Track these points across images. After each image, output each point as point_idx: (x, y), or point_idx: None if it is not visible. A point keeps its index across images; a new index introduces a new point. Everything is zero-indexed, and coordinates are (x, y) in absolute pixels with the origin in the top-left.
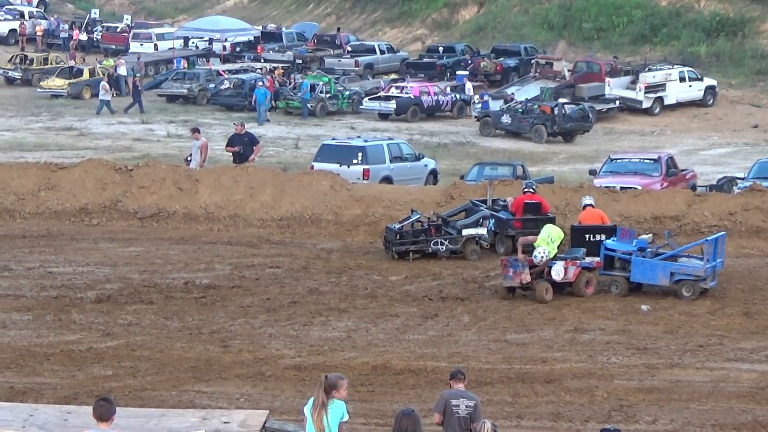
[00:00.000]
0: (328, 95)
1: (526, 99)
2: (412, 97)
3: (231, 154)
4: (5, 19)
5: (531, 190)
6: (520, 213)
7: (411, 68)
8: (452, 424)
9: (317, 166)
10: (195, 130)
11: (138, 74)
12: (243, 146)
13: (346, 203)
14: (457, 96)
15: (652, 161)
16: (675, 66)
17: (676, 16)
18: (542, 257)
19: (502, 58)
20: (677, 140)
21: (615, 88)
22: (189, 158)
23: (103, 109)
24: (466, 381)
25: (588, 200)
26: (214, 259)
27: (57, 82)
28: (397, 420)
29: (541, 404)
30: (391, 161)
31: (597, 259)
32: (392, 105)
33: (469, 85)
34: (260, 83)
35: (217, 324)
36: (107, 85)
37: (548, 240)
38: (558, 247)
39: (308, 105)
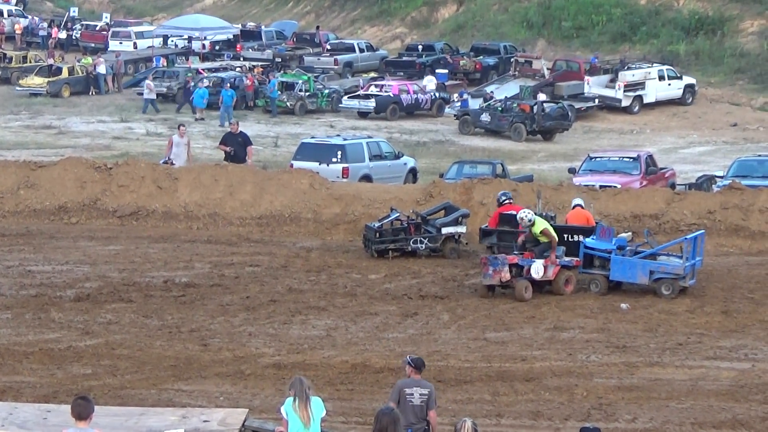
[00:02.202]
0: (307, 93)
1: (506, 97)
2: (392, 95)
3: (221, 152)
4: None
5: (507, 200)
6: (494, 225)
7: (390, 66)
8: (407, 413)
9: (297, 164)
10: (182, 126)
11: (190, 73)
12: (236, 146)
13: (325, 202)
14: (437, 94)
15: (632, 160)
16: (654, 64)
17: (656, 15)
18: (527, 220)
19: (482, 57)
20: (656, 139)
21: (594, 86)
22: (169, 159)
23: (149, 107)
24: (422, 370)
25: (578, 201)
26: (194, 258)
27: (36, 81)
28: (377, 418)
29: (521, 403)
30: (370, 160)
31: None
32: (371, 103)
33: (427, 80)
34: (227, 84)
35: (196, 322)
36: (152, 84)
37: (538, 219)
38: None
39: (276, 103)
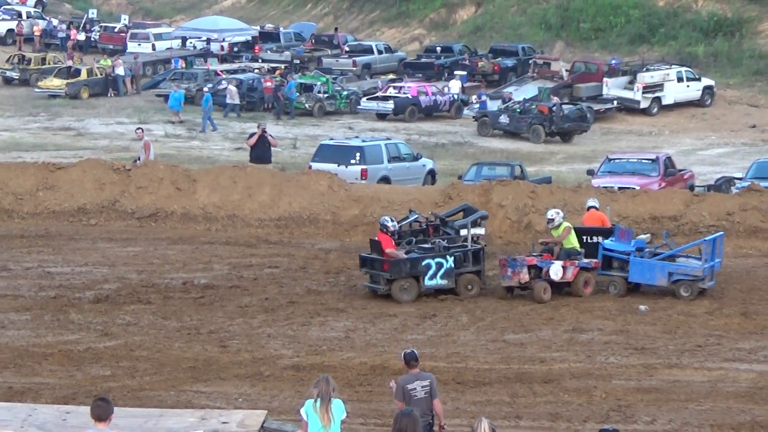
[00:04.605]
0: (325, 95)
1: (524, 99)
2: (410, 97)
3: (240, 154)
4: (3, 19)
5: (381, 227)
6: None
7: (409, 68)
8: (414, 408)
9: (315, 166)
10: (138, 129)
11: (276, 78)
12: (263, 148)
13: (344, 203)
14: (455, 96)
15: (650, 161)
16: (673, 66)
17: (674, 16)
18: (547, 219)
19: (500, 58)
20: (675, 140)
21: (613, 88)
22: (138, 160)
23: (230, 112)
24: (413, 364)
25: (592, 202)
26: (213, 259)
27: (55, 82)
28: (397, 420)
29: (540, 404)
30: (389, 161)
31: (595, 260)
32: (390, 105)
33: (453, 83)
34: (205, 88)
35: (215, 324)
36: (234, 89)
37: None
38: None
39: (294, 104)
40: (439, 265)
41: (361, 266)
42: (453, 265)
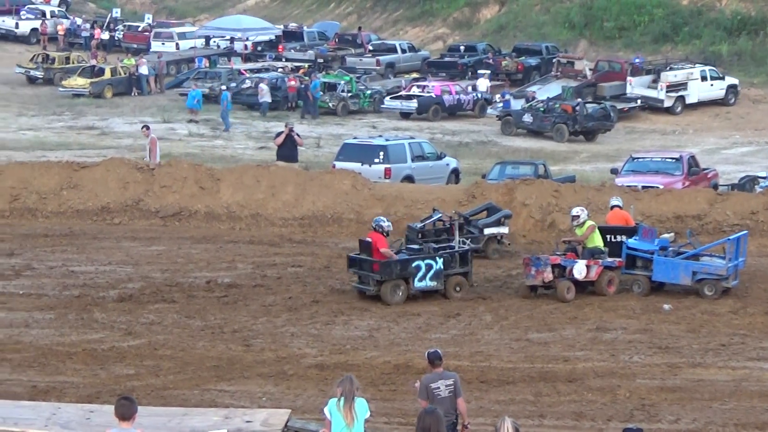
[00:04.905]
0: (349, 94)
1: (548, 98)
2: (434, 96)
3: (265, 152)
4: (27, 18)
5: (373, 226)
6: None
7: (432, 67)
8: (437, 407)
9: (339, 165)
10: (144, 127)
11: (303, 77)
12: (290, 146)
13: (367, 202)
14: (479, 95)
15: (674, 160)
16: (696, 65)
17: (698, 15)
18: (581, 214)
19: (524, 57)
20: (699, 139)
21: (636, 87)
22: (146, 158)
23: (267, 111)
24: (437, 363)
25: (615, 201)
26: (236, 258)
27: (79, 81)
28: (420, 419)
29: (564, 403)
30: (412, 160)
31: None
32: (414, 104)
33: (483, 83)
34: (223, 86)
35: (239, 323)
36: (265, 88)
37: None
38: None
39: (318, 104)
40: (429, 267)
41: (349, 267)
42: (442, 267)
